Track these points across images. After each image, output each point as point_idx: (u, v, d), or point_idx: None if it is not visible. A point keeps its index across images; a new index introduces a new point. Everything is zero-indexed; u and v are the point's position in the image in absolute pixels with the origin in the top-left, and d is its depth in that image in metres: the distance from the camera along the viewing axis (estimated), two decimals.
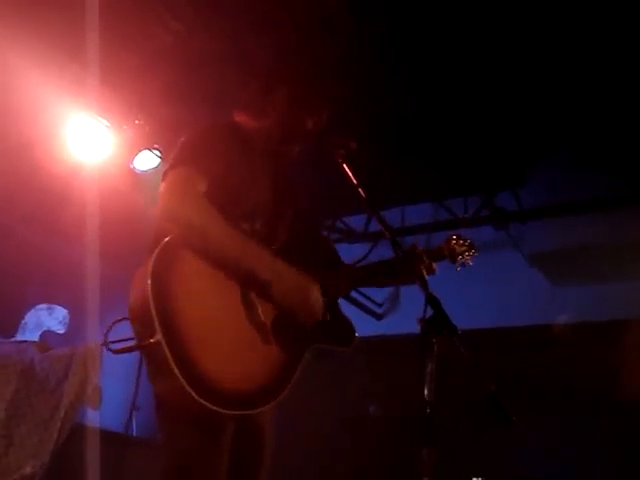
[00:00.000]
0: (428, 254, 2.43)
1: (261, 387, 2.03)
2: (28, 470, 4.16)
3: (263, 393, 2.03)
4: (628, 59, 4.15)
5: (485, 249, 6.05)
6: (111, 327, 2.08)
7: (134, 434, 5.92)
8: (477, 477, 4.88)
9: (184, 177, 2.11)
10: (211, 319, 2.00)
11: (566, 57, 4.22)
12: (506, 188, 5.76)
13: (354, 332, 2.40)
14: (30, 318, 4.77)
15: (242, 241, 2.11)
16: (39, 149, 5.00)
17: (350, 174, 2.22)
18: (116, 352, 2.04)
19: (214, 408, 1.87)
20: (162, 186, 2.12)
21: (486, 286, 5.77)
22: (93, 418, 4.59)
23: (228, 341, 2.01)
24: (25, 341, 4.60)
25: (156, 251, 1.96)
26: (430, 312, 1.81)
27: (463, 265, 3.00)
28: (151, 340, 1.88)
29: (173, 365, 1.84)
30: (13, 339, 4.68)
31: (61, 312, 4.83)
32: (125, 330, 2.07)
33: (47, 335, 4.73)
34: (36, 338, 4.68)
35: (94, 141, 4.93)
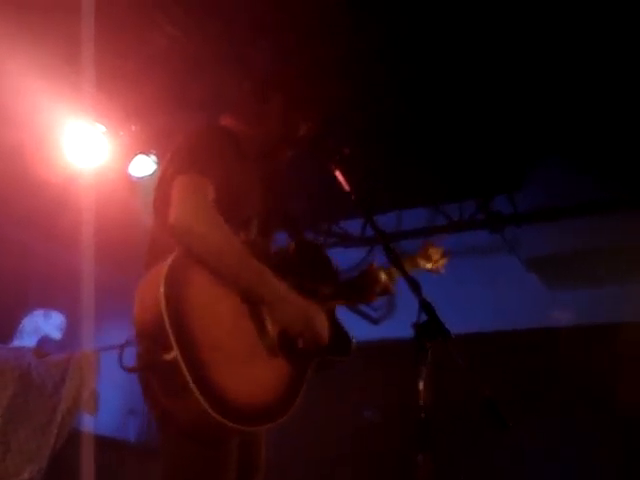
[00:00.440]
0: (400, 264, 2.32)
1: (273, 402, 2.02)
2: (26, 476, 4.16)
3: (275, 407, 2.01)
4: (624, 63, 4.16)
5: (481, 253, 6.08)
6: (124, 346, 1.95)
7: (131, 439, 5.92)
8: None
9: (195, 186, 2.03)
10: (223, 334, 1.95)
11: (562, 62, 4.23)
12: (502, 192, 5.77)
13: (351, 341, 2.40)
14: (27, 324, 4.76)
15: (257, 269, 2.04)
16: (35, 155, 5.00)
17: (343, 180, 2.22)
18: (131, 370, 1.95)
19: (231, 425, 1.83)
20: (172, 194, 2.02)
21: (482, 290, 5.78)
22: (90, 423, 4.59)
23: (241, 356, 1.97)
24: (22, 347, 4.59)
25: (168, 264, 1.89)
26: (424, 317, 1.82)
27: (437, 272, 3.02)
28: (165, 357, 1.81)
29: (191, 384, 1.77)
30: (10, 345, 4.68)
31: (58, 318, 4.83)
32: (119, 337, 2.02)
33: (44, 341, 4.72)
34: (33, 343, 4.67)
35: (90, 147, 4.93)
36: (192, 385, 1.77)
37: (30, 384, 4.35)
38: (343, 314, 2.47)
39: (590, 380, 5.09)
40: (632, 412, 4.91)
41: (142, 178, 5.22)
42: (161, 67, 4.41)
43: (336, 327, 2.35)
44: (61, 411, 4.35)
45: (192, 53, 4.29)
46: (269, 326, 2.06)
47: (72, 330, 4.90)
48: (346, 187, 2.21)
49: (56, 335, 4.80)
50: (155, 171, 5.14)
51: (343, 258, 2.61)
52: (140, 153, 5.14)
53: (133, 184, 5.26)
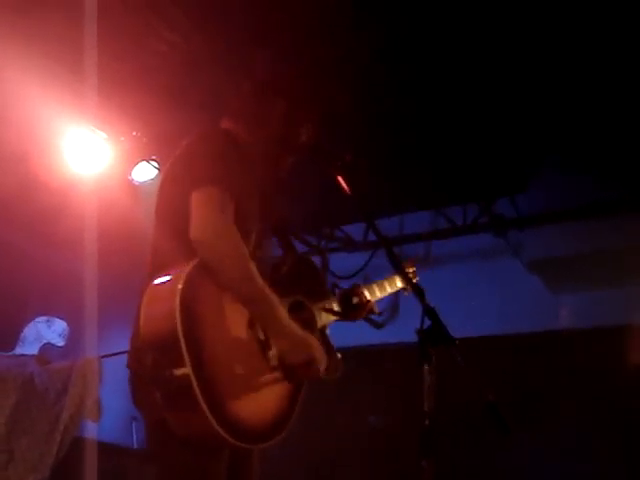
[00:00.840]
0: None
1: (273, 420, 2.06)
2: None
3: (274, 426, 2.05)
4: (625, 66, 4.15)
5: (484, 256, 6.07)
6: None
7: (134, 445, 5.90)
8: None
9: (218, 201, 1.99)
10: (231, 352, 1.95)
11: (564, 64, 4.22)
12: (504, 195, 5.76)
13: (340, 361, 2.42)
14: (29, 331, 4.77)
15: (270, 302, 2.03)
16: (37, 161, 5.01)
17: (345, 186, 2.21)
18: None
19: (232, 442, 1.85)
20: (193, 207, 1.98)
21: (485, 293, 5.77)
22: (93, 430, 4.58)
23: (247, 375, 1.99)
24: (24, 354, 4.59)
25: (183, 278, 1.87)
26: (428, 323, 1.81)
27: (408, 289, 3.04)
28: (175, 372, 1.78)
29: (202, 403, 1.77)
30: (12, 352, 4.68)
31: (60, 325, 4.83)
32: (122, 343, 2.01)
33: (46, 348, 4.73)
34: (35, 351, 4.67)
35: (92, 153, 4.93)
36: (203, 405, 1.77)
37: (33, 392, 4.34)
38: None
39: (593, 382, 5.08)
40: (634, 414, 4.90)
41: (144, 184, 5.22)
42: (162, 73, 4.41)
43: (328, 349, 2.35)
44: (64, 419, 4.34)
45: (192, 57, 4.28)
46: (273, 348, 2.08)
47: (74, 337, 4.90)
48: (348, 192, 2.20)
49: (58, 342, 4.81)
50: (156, 177, 5.14)
51: (346, 263, 2.61)
52: (142, 159, 5.13)
53: (135, 190, 5.26)
